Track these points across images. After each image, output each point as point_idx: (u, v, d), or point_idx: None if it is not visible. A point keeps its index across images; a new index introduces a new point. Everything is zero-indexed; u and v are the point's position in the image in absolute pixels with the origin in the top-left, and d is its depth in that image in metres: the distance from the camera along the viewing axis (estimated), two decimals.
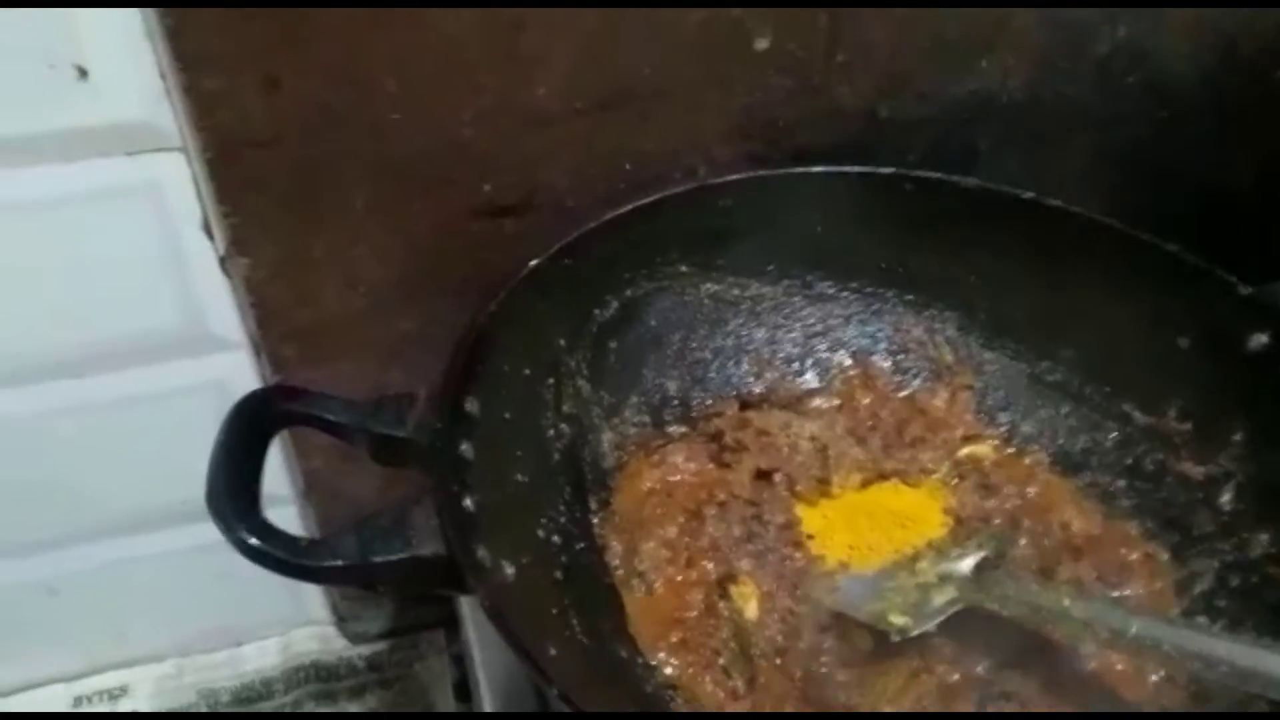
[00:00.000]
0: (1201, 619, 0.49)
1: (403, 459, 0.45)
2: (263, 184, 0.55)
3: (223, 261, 0.59)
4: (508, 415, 0.50)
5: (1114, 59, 0.65)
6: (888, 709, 0.46)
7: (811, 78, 0.60)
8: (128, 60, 0.50)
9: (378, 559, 0.40)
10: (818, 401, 0.61)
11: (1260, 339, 0.51)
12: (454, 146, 0.56)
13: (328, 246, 0.58)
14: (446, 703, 0.76)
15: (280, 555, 0.39)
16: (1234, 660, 0.39)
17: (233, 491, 0.40)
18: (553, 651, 0.42)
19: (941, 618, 0.47)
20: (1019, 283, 0.59)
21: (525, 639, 0.38)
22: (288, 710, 0.76)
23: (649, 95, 0.58)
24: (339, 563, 0.40)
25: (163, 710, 0.76)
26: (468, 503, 0.42)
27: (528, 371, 0.52)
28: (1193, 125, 0.70)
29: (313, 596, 0.79)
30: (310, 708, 0.76)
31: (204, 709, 0.77)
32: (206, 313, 0.61)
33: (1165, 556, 0.52)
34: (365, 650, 0.80)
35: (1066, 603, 0.45)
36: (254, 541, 0.39)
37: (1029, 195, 0.58)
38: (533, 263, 0.53)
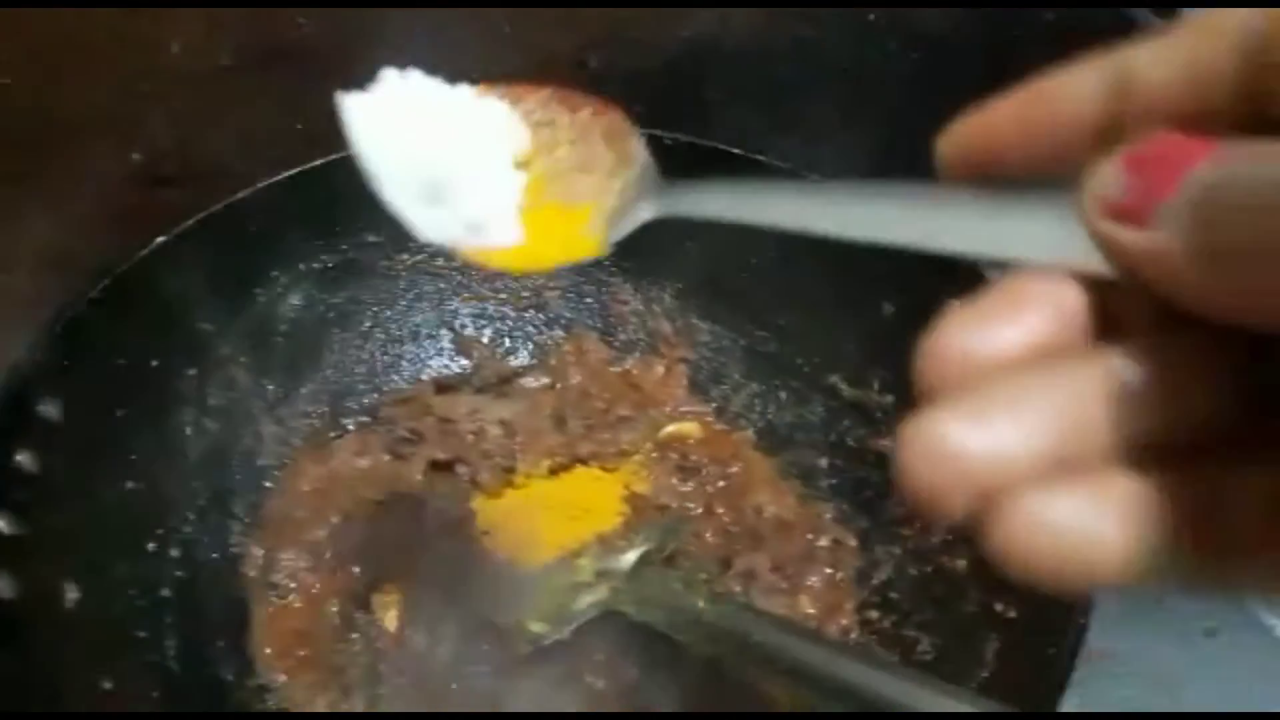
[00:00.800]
0: (872, 613, 0.46)
1: None
2: None
3: None
4: (120, 414, 0.45)
5: None
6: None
7: (507, 25, 0.55)
8: None
9: None
10: (528, 380, 0.56)
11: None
12: (90, 116, 0.51)
13: None
14: None
15: None
16: (835, 675, 0.35)
17: None
18: (107, 685, 0.38)
19: (579, 622, 0.43)
20: (734, 249, 0.54)
21: (40, 674, 0.34)
22: None
23: (310, 49, 0.52)
24: None
25: None
26: (1, 526, 0.37)
27: (155, 363, 0.47)
28: (949, 71, 0.65)
29: None
30: None
31: None
32: None
33: (853, 543, 0.49)
34: None
35: (701, 604, 0.41)
36: None
37: (737, 151, 0.53)
38: (159, 240, 0.47)
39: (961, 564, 0.44)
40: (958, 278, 0.46)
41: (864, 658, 0.38)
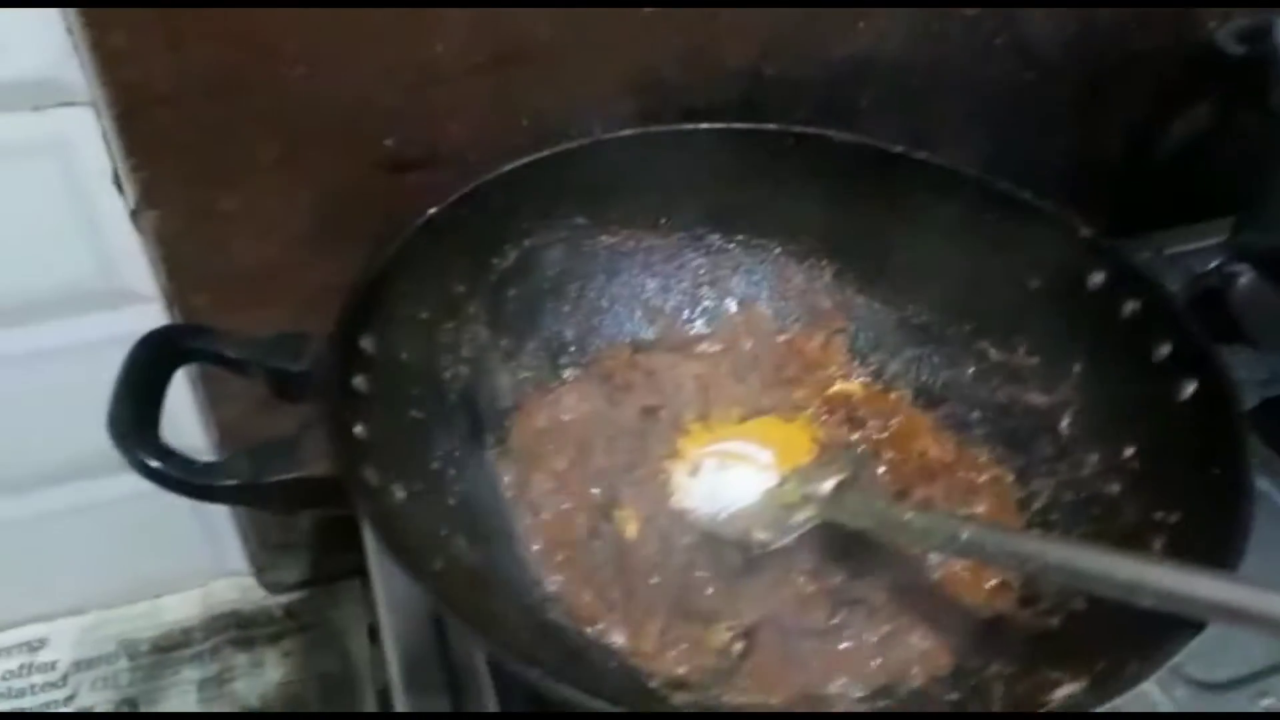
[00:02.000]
0: (1037, 533, 0.54)
1: (300, 393, 0.48)
2: (170, 139, 0.58)
3: (133, 215, 0.61)
4: (404, 356, 0.53)
5: (982, 22, 0.69)
6: (749, 616, 0.50)
7: (697, 39, 0.64)
8: (34, 16, 0.52)
9: (270, 479, 0.43)
10: (704, 345, 0.65)
11: (1098, 278, 0.56)
12: (356, 103, 0.59)
13: (237, 199, 0.61)
14: (361, 645, 0.80)
15: (177, 475, 0.42)
16: (1045, 557, 0.44)
17: (133, 418, 0.43)
18: (438, 565, 0.46)
19: (799, 532, 0.51)
20: (890, 231, 0.63)
21: (407, 551, 0.42)
22: (207, 654, 0.79)
23: (544, 55, 0.61)
24: (233, 482, 0.43)
25: (83, 659, 0.79)
26: (358, 429, 0.45)
27: (425, 315, 0.55)
28: (1058, 87, 0.75)
29: (231, 548, 0.81)
30: (229, 653, 0.79)
31: (124, 658, 0.79)
32: (119, 266, 0.64)
33: (1010, 478, 0.57)
34: (283, 599, 0.83)
35: (908, 515, 0.49)
36: (152, 463, 0.42)
37: (898, 149, 0.62)
38: (430, 211, 0.56)
39: (1115, 488, 0.52)
40: (1099, 257, 0.56)
41: (1067, 539, 0.46)
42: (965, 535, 0.47)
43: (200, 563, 0.82)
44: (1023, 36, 0.71)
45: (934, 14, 0.68)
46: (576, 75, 0.63)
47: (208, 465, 0.43)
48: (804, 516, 0.52)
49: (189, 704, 0.76)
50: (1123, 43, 0.74)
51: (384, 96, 0.59)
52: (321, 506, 0.44)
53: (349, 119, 0.60)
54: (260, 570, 0.83)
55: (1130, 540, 0.49)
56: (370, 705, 0.77)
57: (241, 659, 0.80)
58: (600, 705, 0.36)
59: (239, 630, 0.81)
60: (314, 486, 0.43)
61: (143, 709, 0.76)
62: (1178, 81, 0.78)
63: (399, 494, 0.47)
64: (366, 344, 0.50)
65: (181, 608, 0.82)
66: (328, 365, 0.46)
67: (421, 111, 0.60)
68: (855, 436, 0.60)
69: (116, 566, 0.80)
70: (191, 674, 0.79)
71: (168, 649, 0.80)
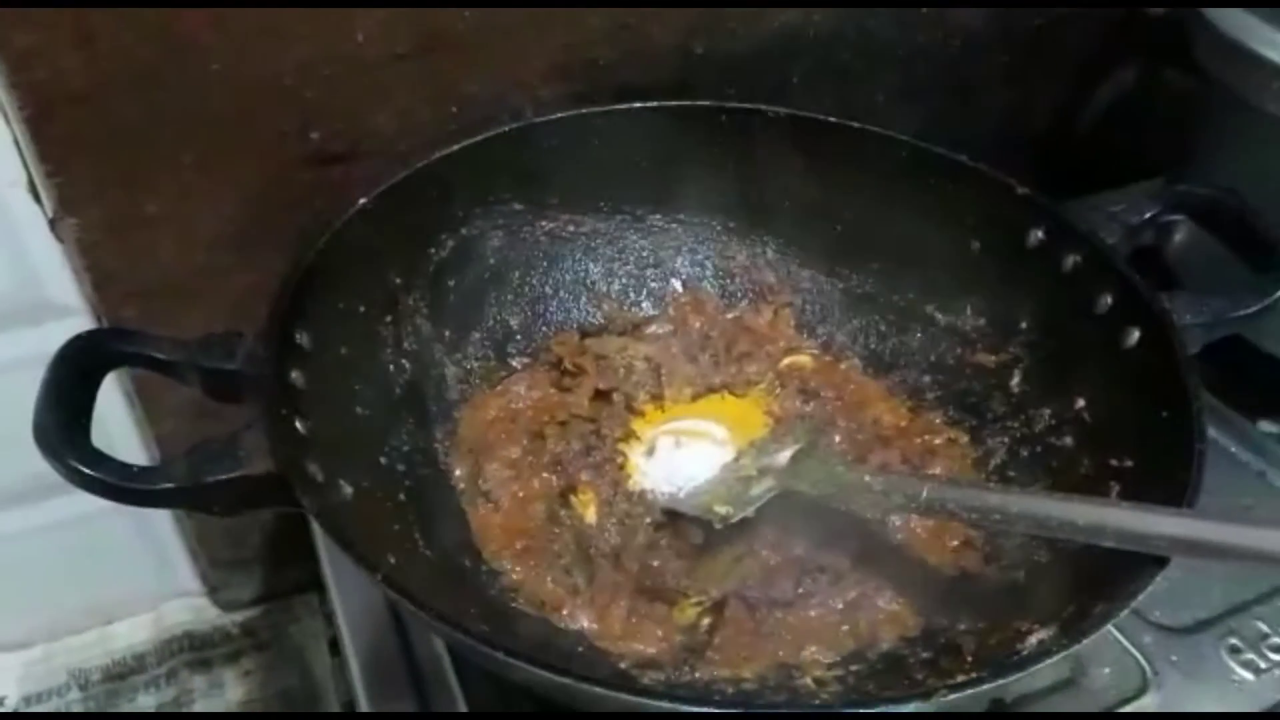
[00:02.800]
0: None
1: (235, 393, 0.46)
2: (85, 142, 0.56)
3: (52, 224, 0.59)
4: (344, 351, 0.52)
5: None
6: (715, 591, 0.50)
7: (625, 18, 0.63)
8: None
9: (209, 479, 0.41)
10: (653, 327, 0.64)
11: (1037, 235, 0.56)
12: (277, 96, 0.58)
13: (159, 204, 0.59)
14: (322, 659, 0.78)
15: (112, 481, 0.40)
16: (1007, 508, 0.44)
17: (61, 425, 0.41)
18: (393, 560, 0.44)
19: (759, 503, 0.51)
20: (829, 202, 0.63)
21: (358, 549, 0.41)
22: (163, 679, 0.76)
23: (468, 39, 0.60)
24: (170, 485, 0.41)
25: (33, 693, 0.76)
26: (299, 424, 0.44)
27: (363, 309, 0.54)
28: (983, 56, 0.75)
29: (181, 567, 0.79)
30: (185, 676, 0.77)
31: (76, 689, 0.76)
32: (42, 279, 0.61)
33: (965, 439, 0.57)
34: (239, 617, 0.80)
35: (867, 478, 0.49)
36: (85, 470, 0.40)
37: (832, 119, 0.62)
38: (361, 201, 0.54)
39: (1068, 440, 0.53)
40: (1037, 214, 0.56)
41: (1026, 491, 0.46)
42: (926, 493, 0.47)
43: (150, 585, 0.79)
44: (949, 8, 0.72)
45: None
46: (503, 60, 0.62)
47: (144, 469, 0.42)
48: (763, 488, 0.51)
49: None
50: (1046, 8, 0.75)
51: (306, 89, 0.58)
52: (265, 506, 0.42)
53: (270, 113, 0.58)
54: (213, 589, 0.80)
55: (1088, 489, 0.49)
56: None
57: (199, 681, 0.77)
58: (568, 681, 0.35)
59: (194, 652, 0.78)
60: (256, 485, 0.41)
61: None
62: (1102, 45, 0.79)
63: (346, 490, 0.45)
64: (302, 338, 0.48)
65: (133, 633, 0.79)
66: (262, 360, 0.44)
67: (345, 103, 0.59)
68: (809, 408, 0.60)
69: (61, 594, 0.77)
70: (147, 700, 0.76)
71: (121, 676, 0.77)
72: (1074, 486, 0.50)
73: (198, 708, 0.75)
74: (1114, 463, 0.48)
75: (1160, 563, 0.38)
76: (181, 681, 0.76)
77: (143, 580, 0.79)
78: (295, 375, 0.46)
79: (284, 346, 0.46)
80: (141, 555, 0.77)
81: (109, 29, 0.52)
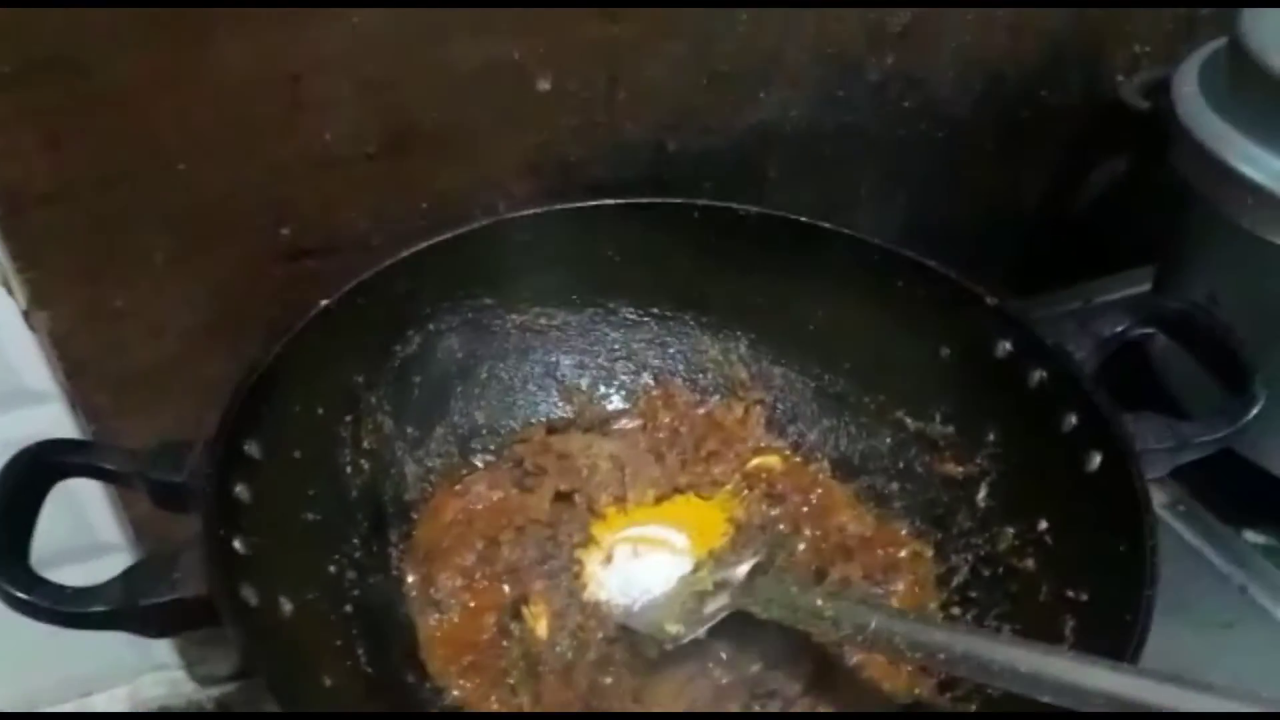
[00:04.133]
0: (955, 610, 0.53)
1: (182, 504, 0.46)
2: (56, 238, 0.56)
3: (25, 316, 0.59)
4: (298, 455, 0.52)
5: (887, 86, 0.69)
6: (663, 711, 0.49)
7: (596, 115, 0.63)
8: None
9: (144, 602, 0.41)
10: (623, 422, 0.64)
11: (1005, 346, 0.56)
12: (247, 195, 0.58)
13: (130, 297, 0.59)
14: None
15: (45, 605, 0.40)
16: (950, 647, 0.43)
17: (1, 548, 0.41)
18: (328, 682, 0.44)
19: (712, 623, 0.50)
20: (802, 302, 0.63)
21: (293, 670, 0.40)
22: None
23: (439, 137, 0.60)
24: (104, 608, 0.41)
25: None
26: (237, 544, 0.44)
27: (321, 411, 0.54)
28: (969, 146, 0.75)
29: (159, 642, 0.79)
30: None
31: None
32: (18, 367, 0.62)
33: (930, 553, 0.56)
34: (214, 692, 0.80)
35: (819, 602, 0.48)
36: (19, 594, 0.40)
37: (803, 219, 0.61)
38: (323, 303, 0.54)
39: (1030, 564, 0.51)
40: (1006, 326, 0.56)
41: (974, 630, 0.45)
42: (874, 624, 0.46)
43: (126, 658, 0.79)
44: (931, 97, 0.71)
45: (838, 80, 0.68)
46: (474, 157, 0.62)
47: (78, 591, 0.42)
48: (716, 607, 0.51)
49: None
50: (1032, 99, 0.75)
51: (275, 187, 0.58)
52: (201, 627, 0.42)
53: (240, 210, 0.58)
54: (190, 664, 0.80)
55: (1045, 620, 0.48)
56: None
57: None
58: None
59: None
60: (190, 608, 0.41)
61: None
62: (1090, 136, 0.78)
63: (286, 607, 0.45)
64: (251, 448, 0.48)
65: (109, 706, 0.79)
66: (204, 477, 0.44)
67: (316, 199, 0.59)
68: (776, 512, 0.59)
69: (38, 666, 0.77)
70: None
71: None
72: (1032, 615, 0.49)
73: None
74: (1070, 594, 0.47)
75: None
76: None
77: (120, 653, 0.78)
78: (240, 489, 0.46)
79: (229, 460, 0.46)
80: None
81: (72, 131, 0.52)
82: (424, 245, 0.58)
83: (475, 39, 0.58)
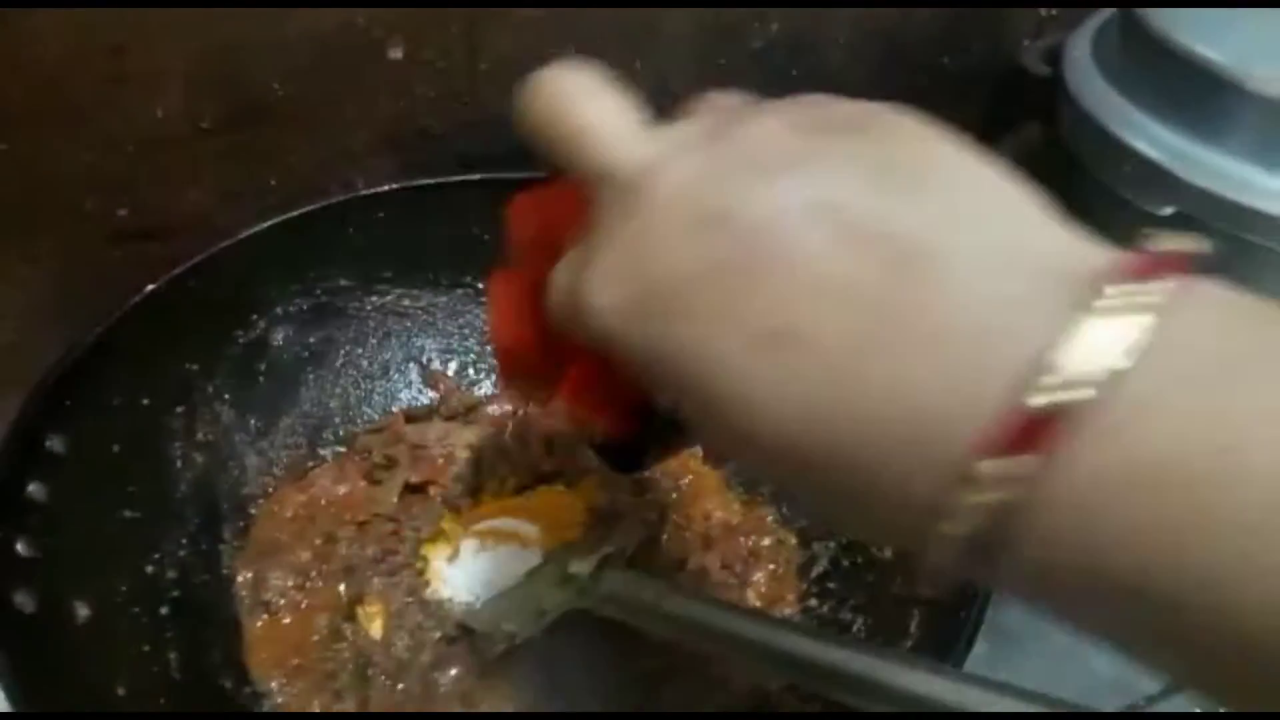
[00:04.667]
0: (813, 601, 0.51)
1: None
2: None
3: None
4: (116, 449, 0.49)
5: (772, 53, 0.66)
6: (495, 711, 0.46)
7: (456, 86, 0.60)
8: None
9: None
10: (491, 408, 0.61)
11: None
12: (77, 175, 0.55)
13: None
14: None
15: None
16: (792, 649, 0.40)
17: None
18: (121, 691, 0.41)
19: (549, 620, 0.47)
20: None
21: (78, 680, 0.38)
22: None
23: (283, 110, 0.57)
24: None
25: None
26: (19, 548, 0.41)
27: (147, 401, 0.51)
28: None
29: None
30: None
31: None
32: None
33: (793, 541, 0.54)
34: None
35: (661, 602, 0.45)
36: None
37: None
38: (149, 287, 0.51)
39: (888, 553, 0.49)
40: None
41: (807, 631, 0.43)
42: (718, 625, 0.43)
43: None
44: (822, 65, 0.68)
45: (719, 48, 0.64)
46: (325, 131, 0.59)
47: None
48: (554, 603, 0.48)
49: None
50: (932, 66, 0.72)
51: (108, 166, 0.55)
52: None
53: (70, 191, 0.55)
54: None
55: (894, 615, 0.45)
56: None
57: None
58: None
59: None
60: None
61: None
62: (992, 105, 0.75)
63: (81, 612, 0.42)
64: (55, 444, 0.45)
65: None
66: None
67: (153, 178, 0.56)
68: (642, 499, 0.56)
69: None
70: None
71: None
72: (885, 607, 0.47)
73: None
74: (918, 590, 0.45)
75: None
76: None
77: None
78: (34, 488, 0.43)
79: (24, 458, 0.43)
80: None
81: None
82: (266, 225, 0.55)
83: (317, 5, 0.55)
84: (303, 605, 0.50)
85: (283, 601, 0.50)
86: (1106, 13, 0.63)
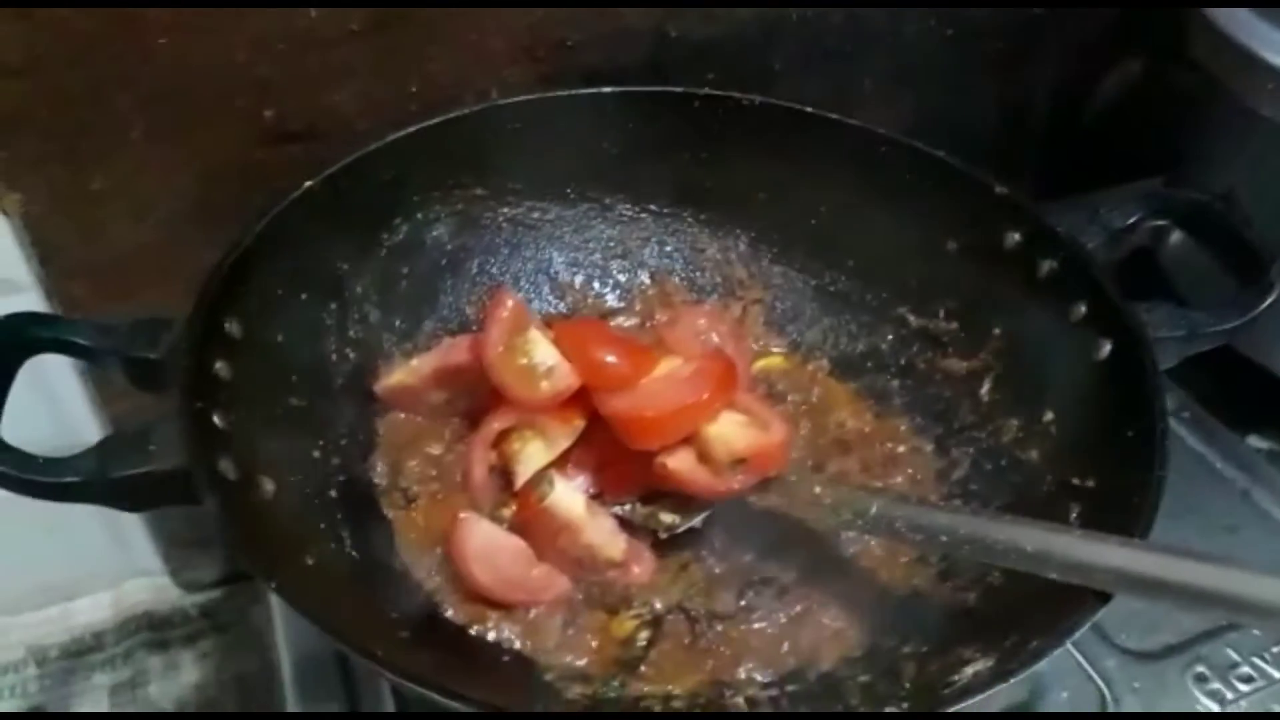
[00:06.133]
0: (956, 503, 0.52)
1: (160, 383, 0.44)
2: (29, 115, 0.54)
3: None
4: (280, 339, 0.50)
5: None
6: (658, 602, 0.48)
7: None
8: None
9: (116, 474, 0.40)
10: (620, 320, 0.62)
11: (1014, 237, 0.54)
12: (229, 72, 0.56)
13: (108, 178, 0.57)
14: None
15: (14, 474, 0.39)
16: (954, 529, 0.42)
17: None
18: (310, 561, 0.43)
19: (705, 513, 0.49)
20: (805, 196, 0.60)
21: (270, 547, 0.39)
22: (119, 658, 0.75)
23: (427, 15, 0.58)
24: (75, 478, 0.40)
25: None
26: (218, 418, 0.42)
27: (304, 296, 0.52)
28: (980, 45, 0.72)
29: (142, 547, 0.78)
30: (142, 656, 0.76)
31: (33, 665, 0.75)
32: None
33: (929, 448, 0.55)
34: (199, 598, 0.79)
35: (817, 489, 0.47)
36: None
37: (807, 109, 0.59)
38: (306, 184, 0.52)
39: (1034, 454, 0.50)
40: (1015, 215, 0.54)
41: (978, 512, 0.44)
42: (875, 509, 0.45)
43: (111, 564, 0.78)
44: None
45: None
46: (466, 39, 0.59)
47: (50, 461, 0.40)
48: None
49: (101, 709, 0.73)
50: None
51: (258, 66, 0.56)
52: (176, 503, 0.41)
53: (222, 90, 0.56)
54: (174, 569, 0.79)
55: (1048, 508, 0.46)
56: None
57: (155, 662, 0.76)
58: (466, 707, 0.33)
59: (152, 632, 0.77)
60: (165, 480, 0.40)
61: None
62: (1102, 39, 0.76)
63: (267, 486, 0.44)
64: (232, 327, 0.46)
65: (93, 611, 0.78)
66: (183, 351, 0.43)
67: (300, 81, 0.57)
68: (776, 409, 0.57)
69: (22, 571, 0.76)
70: (103, 679, 0.75)
71: (78, 654, 0.76)
72: (1035, 505, 0.48)
73: (152, 689, 0.74)
74: (1076, 482, 0.46)
75: (1103, 598, 0.36)
76: (137, 662, 0.75)
77: (103, 558, 0.77)
78: (220, 366, 0.45)
79: (208, 336, 0.45)
80: (101, 533, 0.75)
81: None
82: (411, 130, 0.56)
83: None
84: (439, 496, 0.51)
85: (417, 489, 0.51)
86: None
